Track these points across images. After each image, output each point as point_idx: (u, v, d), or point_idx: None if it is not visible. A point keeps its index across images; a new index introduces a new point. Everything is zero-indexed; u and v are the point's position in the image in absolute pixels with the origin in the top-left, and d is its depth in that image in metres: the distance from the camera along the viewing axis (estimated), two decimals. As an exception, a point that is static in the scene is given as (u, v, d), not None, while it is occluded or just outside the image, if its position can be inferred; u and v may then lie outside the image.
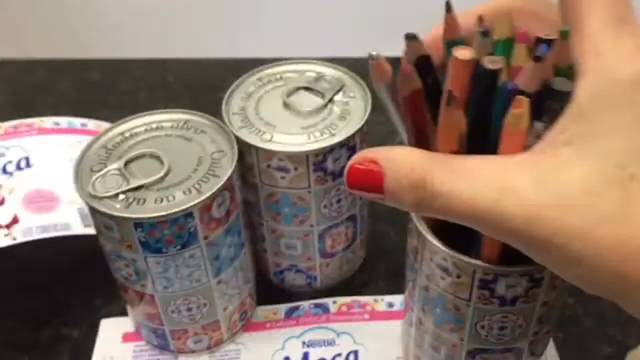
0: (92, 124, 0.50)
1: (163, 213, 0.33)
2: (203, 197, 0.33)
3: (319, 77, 0.41)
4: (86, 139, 0.47)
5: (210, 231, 0.35)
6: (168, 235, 0.34)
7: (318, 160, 0.36)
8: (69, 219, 0.42)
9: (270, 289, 0.45)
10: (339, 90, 0.39)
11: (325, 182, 0.38)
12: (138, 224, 0.33)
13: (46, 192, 0.43)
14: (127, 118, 0.38)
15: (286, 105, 0.39)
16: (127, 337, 0.42)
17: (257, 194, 0.39)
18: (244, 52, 0.62)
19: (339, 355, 0.41)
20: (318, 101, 0.39)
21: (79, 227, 0.42)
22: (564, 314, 0.42)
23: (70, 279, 0.46)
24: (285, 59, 0.42)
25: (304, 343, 0.42)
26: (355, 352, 0.41)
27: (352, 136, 0.37)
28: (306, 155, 0.36)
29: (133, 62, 0.67)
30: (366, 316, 0.43)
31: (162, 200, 0.33)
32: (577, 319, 0.42)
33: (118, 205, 0.33)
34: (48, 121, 0.48)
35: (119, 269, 0.36)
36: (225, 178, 0.34)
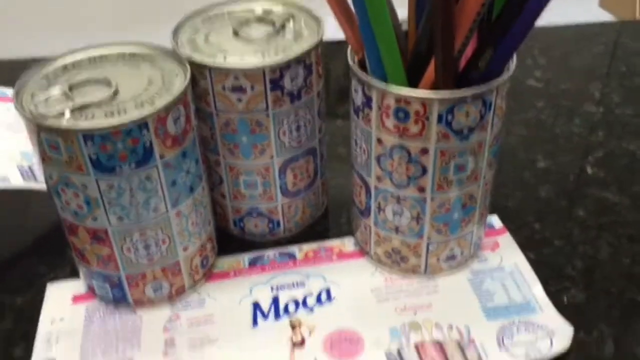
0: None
1: (115, 122, 0.30)
2: (158, 107, 0.31)
3: (268, 12, 0.40)
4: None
5: (166, 149, 0.33)
6: (121, 150, 0.31)
7: (275, 77, 0.35)
8: (7, 172, 0.39)
9: (231, 241, 0.42)
10: (290, 18, 0.39)
11: (284, 103, 0.36)
12: (87, 136, 0.30)
13: (-19, 149, 0.40)
14: (67, 51, 0.36)
15: (237, 34, 0.38)
16: (77, 299, 0.39)
17: (212, 125, 0.37)
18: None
19: (310, 294, 0.39)
20: (270, 29, 0.38)
21: (19, 180, 0.39)
22: (533, 237, 0.42)
23: (8, 247, 0.43)
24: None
25: (272, 287, 0.39)
26: (328, 290, 0.39)
27: (308, 53, 0.36)
28: (262, 70, 0.35)
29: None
30: (335, 257, 0.41)
31: (112, 114, 0.31)
32: (546, 241, 0.42)
33: (64, 122, 0.31)
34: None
35: (67, 203, 0.33)
36: (180, 90, 0.32)
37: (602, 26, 0.69)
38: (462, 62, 0.33)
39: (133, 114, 0.31)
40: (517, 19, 0.30)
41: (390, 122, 0.33)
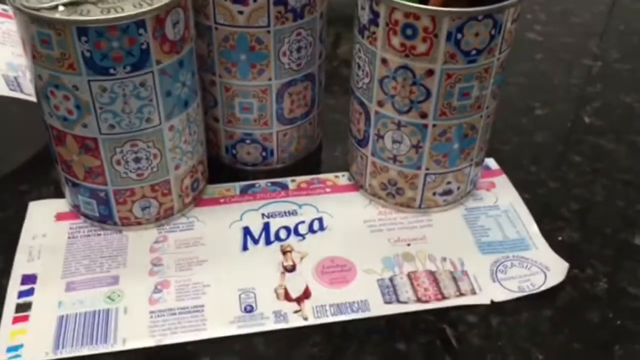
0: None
1: (111, 16, 0.29)
2: (156, 6, 0.30)
3: None
4: (6, 21, 0.42)
5: (163, 55, 0.31)
6: (117, 50, 0.30)
7: (279, -11, 0.34)
8: (-8, 80, 0.37)
9: (223, 170, 0.41)
10: None
11: (286, 20, 0.35)
12: (82, 29, 0.29)
13: (-36, 55, 0.38)
14: (62, -49, 0.34)
15: (240, -56, 0.36)
16: (61, 217, 0.37)
17: (211, 41, 0.36)
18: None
19: (302, 222, 0.38)
20: (274, -57, 0.37)
21: (4, 89, 0.37)
22: (528, 179, 0.41)
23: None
24: None
25: (263, 215, 0.38)
26: (320, 219, 0.38)
27: (314, -34, 0.35)
28: (267, -20, 0.33)
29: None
30: (328, 190, 0.40)
31: (109, 11, 0.30)
32: (541, 182, 0.41)
33: (58, 15, 0.29)
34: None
35: (56, 108, 0.32)
36: (181, -8, 0.31)
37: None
38: (475, -18, 0.32)
39: (131, 12, 0.29)
40: None
41: (397, 40, 0.32)
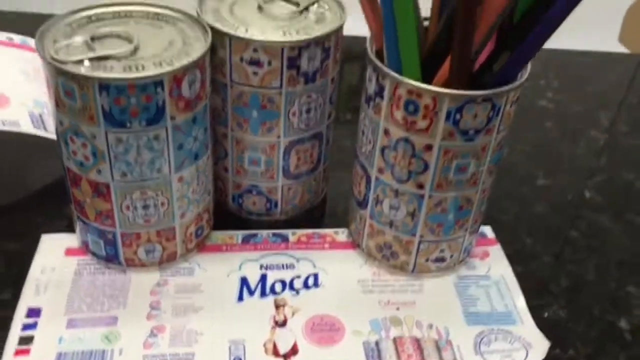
0: (18, 38, 0.47)
1: (132, 76, 0.31)
2: (176, 67, 0.32)
3: (294, -8, 0.40)
4: (13, 51, 0.44)
5: (178, 112, 0.33)
6: (134, 106, 0.32)
7: (293, 55, 0.36)
8: (19, 117, 0.39)
9: (228, 217, 0.43)
10: (314, 2, 0.39)
11: (298, 83, 0.37)
12: (104, 86, 0.31)
13: (-5, 91, 0.40)
14: (93, 4, 0.37)
15: (261, 9, 0.38)
16: (70, 252, 0.39)
17: (225, 97, 0.38)
18: None
19: (298, 277, 0.39)
20: (294, 9, 0.39)
21: (29, 126, 0.39)
22: (522, 250, 0.42)
23: (9, 193, 0.43)
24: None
25: (261, 266, 0.40)
26: (315, 275, 0.39)
27: (328, 36, 0.36)
28: (282, 47, 0.35)
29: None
30: (326, 246, 0.42)
31: (130, 69, 0.32)
32: (535, 256, 0.42)
33: (82, 70, 0.31)
34: (1, 35, 0.46)
35: (74, 153, 0.34)
36: (199, 55, 0.33)
37: (620, 56, 0.69)
38: (477, 64, 0.33)
39: (150, 71, 0.31)
40: (537, 26, 0.31)
41: (399, 114, 0.34)
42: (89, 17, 0.36)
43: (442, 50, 0.33)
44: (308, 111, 0.39)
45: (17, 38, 0.46)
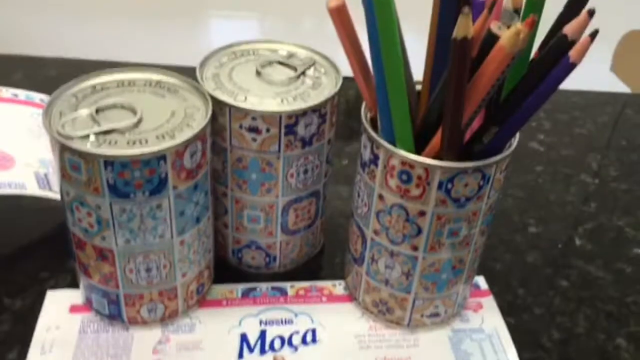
0: (23, 94, 0.49)
1: (136, 152, 0.32)
2: (178, 141, 0.33)
3: (291, 55, 0.42)
4: (16, 108, 0.46)
5: (180, 181, 0.34)
6: (138, 179, 0.33)
7: (290, 123, 0.37)
8: (24, 179, 0.40)
9: (227, 271, 0.44)
10: (311, 66, 0.41)
11: (295, 148, 0.38)
12: (108, 162, 0.32)
13: (2, 153, 0.41)
14: (96, 72, 0.38)
15: (259, 74, 0.40)
16: (74, 309, 0.40)
17: (226, 159, 0.39)
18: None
19: (297, 332, 0.40)
20: (291, 73, 0.40)
21: (35, 188, 0.40)
22: (515, 302, 0.44)
23: (15, 250, 0.44)
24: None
25: (261, 321, 0.41)
26: (313, 331, 0.40)
27: (324, 103, 0.38)
28: (280, 115, 0.37)
29: (91, 62, 0.67)
30: (324, 299, 0.43)
31: (134, 143, 0.33)
32: (527, 307, 0.43)
33: (88, 145, 0.33)
34: (6, 92, 0.47)
35: (79, 220, 0.35)
36: (201, 127, 0.34)
37: (610, 96, 0.71)
38: (467, 134, 0.34)
39: (153, 146, 0.33)
40: (524, 102, 0.32)
41: (393, 182, 0.35)
42: (94, 86, 0.37)
43: (434, 121, 0.34)
44: (305, 172, 0.40)
45: (22, 94, 0.47)
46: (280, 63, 0.41)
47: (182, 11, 1.91)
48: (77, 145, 0.32)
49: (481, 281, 0.45)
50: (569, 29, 0.29)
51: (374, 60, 0.32)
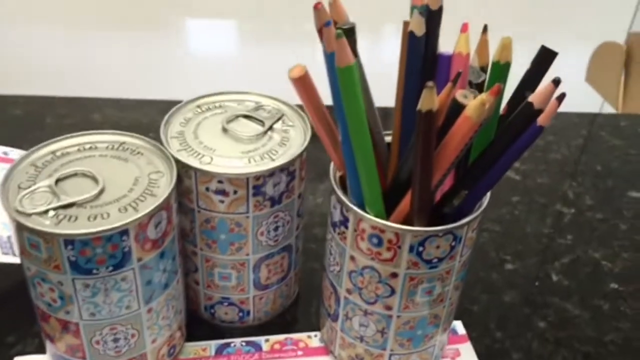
0: (14, 153, 0.47)
1: (97, 229, 0.31)
2: (140, 215, 0.32)
3: (259, 107, 0.41)
4: (7, 167, 0.45)
5: (144, 253, 0.33)
6: (100, 255, 0.32)
7: (258, 184, 0.36)
8: (-14, 245, 0.39)
9: (200, 325, 0.43)
10: (278, 119, 0.40)
11: (264, 207, 0.37)
12: (69, 241, 0.31)
13: (-39, 217, 0.40)
14: (58, 137, 0.37)
15: (226, 131, 0.39)
16: (42, 376, 0.39)
17: (193, 219, 0.38)
18: (175, 94, 0.62)
19: (272, 391, 0.40)
20: (258, 128, 0.39)
21: (-4, 254, 0.39)
22: (493, 346, 0.43)
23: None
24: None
25: (235, 380, 0.40)
26: (289, 388, 0.40)
27: (292, 161, 0.37)
28: (247, 178, 0.36)
29: (57, 99, 0.66)
30: (300, 352, 0.42)
31: (95, 218, 0.32)
32: (505, 352, 0.43)
33: (47, 222, 0.31)
34: (-34, 147, 0.46)
35: (42, 295, 0.34)
36: (164, 196, 0.33)
37: (583, 117, 0.71)
38: (437, 194, 0.34)
39: (115, 221, 0.32)
40: (493, 166, 0.31)
41: (364, 245, 0.34)
42: (53, 152, 0.36)
43: (404, 180, 0.34)
44: (276, 229, 0.39)
45: (-16, 149, 0.46)
46: (247, 117, 0.40)
47: (160, 17, 1.89)
48: (35, 224, 0.31)
49: (459, 326, 0.44)
50: (535, 99, 0.28)
51: (340, 130, 0.32)
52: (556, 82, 0.28)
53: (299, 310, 0.46)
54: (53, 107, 0.64)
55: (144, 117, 0.63)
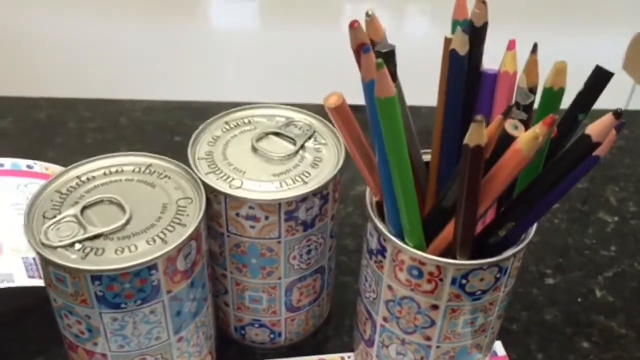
0: (38, 166, 0.46)
1: (124, 265, 0.30)
2: (169, 249, 0.31)
3: (289, 123, 0.39)
4: (32, 182, 0.43)
5: (174, 285, 0.32)
6: (128, 290, 0.31)
7: (291, 210, 0.35)
8: (12, 269, 0.38)
9: (230, 346, 0.42)
10: (310, 137, 0.38)
11: (297, 232, 0.36)
12: (96, 277, 0.30)
13: (-13, 239, 0.39)
14: (83, 161, 0.35)
15: (256, 150, 0.37)
16: (72, 401, 0.39)
17: (223, 244, 0.37)
18: (203, 96, 0.60)
19: (306, 417, 0.38)
20: (289, 147, 0.37)
21: (23, 278, 0.38)
22: (535, 370, 0.41)
23: (8, 333, 0.42)
24: (253, 103, 0.41)
25: (267, 405, 0.39)
26: (323, 414, 0.39)
27: (326, 185, 0.35)
28: (279, 204, 0.34)
29: (82, 101, 0.65)
30: (333, 375, 0.41)
31: (123, 251, 0.31)
32: (548, 375, 0.41)
33: (74, 256, 0.30)
34: (-9, 162, 0.45)
35: (69, 326, 0.33)
36: (193, 228, 0.32)
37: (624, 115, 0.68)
38: (479, 226, 0.32)
39: (143, 254, 0.30)
40: (544, 197, 0.29)
41: (403, 276, 0.33)
42: (79, 177, 0.35)
43: (446, 210, 0.32)
44: (309, 252, 0.38)
45: (7, 163, 0.45)
46: (277, 134, 0.38)
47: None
48: (61, 259, 0.30)
49: (499, 347, 0.42)
50: (594, 131, 0.26)
51: (380, 162, 0.30)
52: (617, 114, 0.26)
53: (330, 328, 0.44)
54: (76, 110, 0.63)
55: (170, 119, 0.62)
